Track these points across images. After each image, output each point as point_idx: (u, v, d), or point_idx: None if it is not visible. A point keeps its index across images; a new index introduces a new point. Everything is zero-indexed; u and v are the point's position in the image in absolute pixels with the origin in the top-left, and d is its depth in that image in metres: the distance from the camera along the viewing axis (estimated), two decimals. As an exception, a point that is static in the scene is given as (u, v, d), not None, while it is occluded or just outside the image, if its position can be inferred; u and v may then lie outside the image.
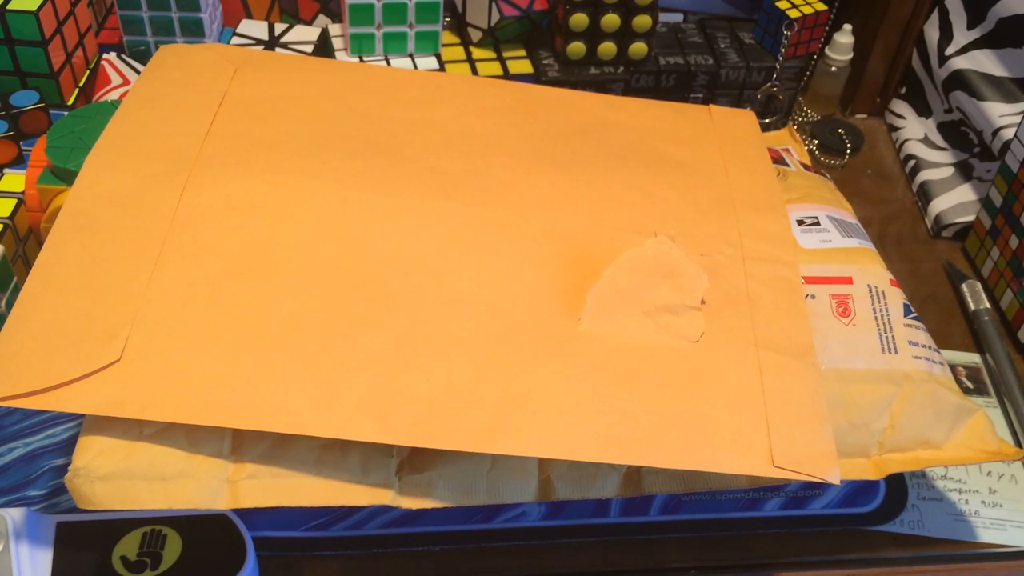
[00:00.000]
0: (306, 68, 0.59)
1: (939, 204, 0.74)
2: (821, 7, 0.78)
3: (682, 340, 0.47)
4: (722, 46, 0.79)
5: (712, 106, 0.64)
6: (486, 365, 0.44)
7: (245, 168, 0.50)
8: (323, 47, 0.77)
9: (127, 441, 0.42)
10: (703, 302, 0.48)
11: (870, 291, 0.52)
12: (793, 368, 0.47)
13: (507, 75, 0.75)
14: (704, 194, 0.55)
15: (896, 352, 0.50)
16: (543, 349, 0.45)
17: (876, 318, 0.51)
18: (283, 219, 0.48)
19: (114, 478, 0.41)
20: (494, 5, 0.74)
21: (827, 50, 0.80)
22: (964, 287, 0.68)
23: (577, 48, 0.75)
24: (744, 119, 0.63)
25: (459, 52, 0.78)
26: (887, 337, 0.50)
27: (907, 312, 0.52)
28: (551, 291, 0.48)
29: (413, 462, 0.45)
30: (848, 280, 0.52)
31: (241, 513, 0.45)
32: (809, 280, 0.52)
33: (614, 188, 0.54)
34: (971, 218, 0.72)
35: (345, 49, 0.76)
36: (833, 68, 0.80)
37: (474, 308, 0.46)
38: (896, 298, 0.52)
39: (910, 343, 0.50)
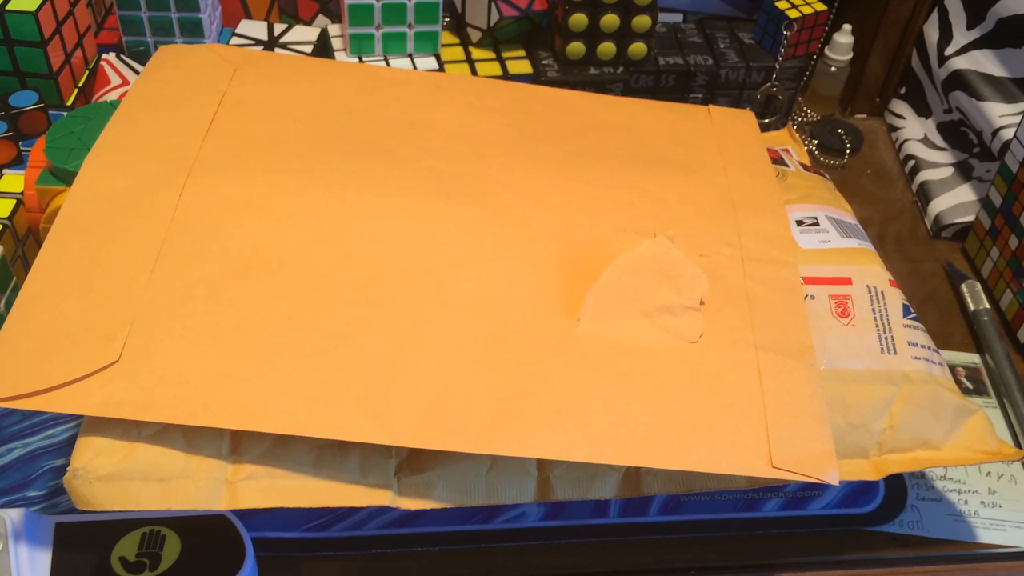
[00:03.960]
0: (305, 68, 0.59)
1: (939, 204, 0.74)
2: (821, 7, 0.78)
3: (681, 341, 0.47)
4: (722, 46, 0.79)
5: (711, 106, 0.64)
6: (485, 366, 0.44)
7: (244, 169, 0.50)
8: (322, 47, 0.77)
9: (126, 442, 0.42)
10: (702, 303, 0.48)
11: (869, 291, 0.52)
12: (792, 369, 0.47)
13: (506, 75, 0.75)
14: (703, 194, 0.55)
15: (895, 353, 0.50)
16: (542, 350, 0.45)
17: (875, 318, 0.51)
18: (282, 220, 0.48)
19: (113, 479, 0.41)
20: (493, 5, 0.74)
21: (827, 50, 0.80)
22: (964, 287, 0.68)
23: (576, 48, 0.75)
24: (743, 119, 0.63)
25: (458, 52, 0.78)
26: (886, 338, 0.50)
27: (906, 312, 0.52)
28: (550, 292, 0.48)
29: (412, 463, 0.45)
30: (847, 280, 0.52)
31: (240, 514, 0.45)
32: (808, 281, 0.52)
33: (613, 188, 0.54)
34: (971, 218, 0.72)
35: (344, 49, 0.76)
36: (833, 68, 0.80)
37: (473, 308, 0.46)
38: (895, 298, 0.52)
39: (909, 343, 0.50)
